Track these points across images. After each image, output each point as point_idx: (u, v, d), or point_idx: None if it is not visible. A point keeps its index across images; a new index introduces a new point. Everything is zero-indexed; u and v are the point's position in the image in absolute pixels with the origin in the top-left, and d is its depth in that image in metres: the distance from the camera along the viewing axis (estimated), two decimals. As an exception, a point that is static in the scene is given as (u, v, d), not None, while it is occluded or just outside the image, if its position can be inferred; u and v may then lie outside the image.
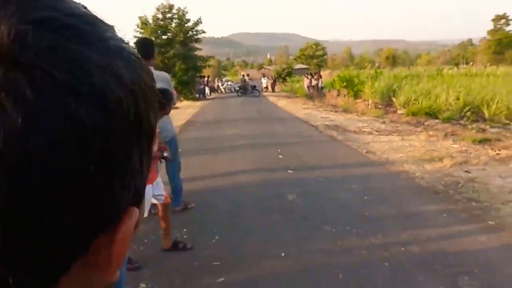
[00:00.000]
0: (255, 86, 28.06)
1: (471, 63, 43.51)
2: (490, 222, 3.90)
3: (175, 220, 4.24)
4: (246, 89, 27.59)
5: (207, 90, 28.47)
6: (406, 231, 3.83)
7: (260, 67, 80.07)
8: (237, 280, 3.10)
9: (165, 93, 3.37)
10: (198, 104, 22.53)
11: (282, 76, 39.54)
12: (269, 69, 57.87)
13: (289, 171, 6.41)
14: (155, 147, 3.34)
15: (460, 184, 5.12)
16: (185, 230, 4.14)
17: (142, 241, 3.86)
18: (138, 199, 0.34)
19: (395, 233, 3.80)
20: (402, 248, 3.47)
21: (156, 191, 3.37)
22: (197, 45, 25.79)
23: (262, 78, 31.47)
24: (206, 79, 28.79)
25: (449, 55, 73.80)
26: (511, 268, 3.09)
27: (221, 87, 34.07)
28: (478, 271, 3.01)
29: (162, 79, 4.08)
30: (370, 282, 2.97)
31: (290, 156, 7.50)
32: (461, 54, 68.70)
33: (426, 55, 76.08)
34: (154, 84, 0.35)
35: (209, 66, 29.47)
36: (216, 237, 3.92)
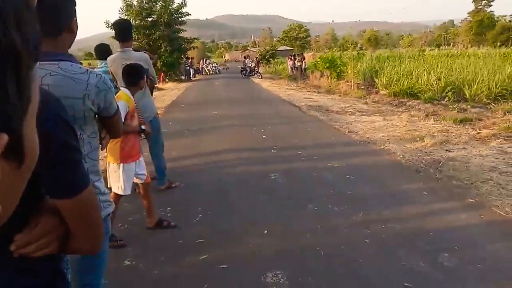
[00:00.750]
0: (255, 68, 27.98)
1: (452, 44, 43.88)
2: (470, 200, 3.98)
3: (160, 199, 4.24)
4: (247, 71, 27.61)
5: (191, 71, 28.11)
6: (388, 209, 3.88)
7: (244, 49, 79.26)
8: (220, 257, 3.11)
9: (137, 69, 3.46)
10: (183, 85, 22.27)
11: (266, 57, 39.26)
12: (253, 51, 57.32)
13: (272, 150, 6.42)
14: (134, 122, 3.32)
15: (441, 163, 5.20)
16: (169, 208, 4.13)
17: (126, 220, 3.84)
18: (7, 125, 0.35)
19: (377, 211, 3.85)
20: (383, 226, 3.52)
21: (138, 169, 3.37)
22: (182, 27, 25.32)
23: (246, 60, 29.61)
24: (190, 60, 28.39)
25: (431, 37, 74.20)
26: (491, 245, 3.16)
27: (205, 69, 33.69)
28: (459, 248, 3.07)
29: (141, 59, 4.07)
30: (351, 260, 3.02)
31: (274, 136, 7.50)
32: (442, 35, 69.04)
33: (408, 37, 76.26)
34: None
35: (193, 48, 28.98)
36: (200, 216, 3.92)
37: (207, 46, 57.42)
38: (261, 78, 25.98)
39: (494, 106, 10.14)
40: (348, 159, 5.71)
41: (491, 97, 11.07)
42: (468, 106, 10.61)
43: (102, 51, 5.08)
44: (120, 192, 3.27)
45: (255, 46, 73.84)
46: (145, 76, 3.61)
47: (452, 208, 3.83)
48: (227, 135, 7.86)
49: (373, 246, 3.19)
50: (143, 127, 3.46)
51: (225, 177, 5.15)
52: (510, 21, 60.70)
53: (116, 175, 3.24)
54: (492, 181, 4.45)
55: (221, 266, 2.99)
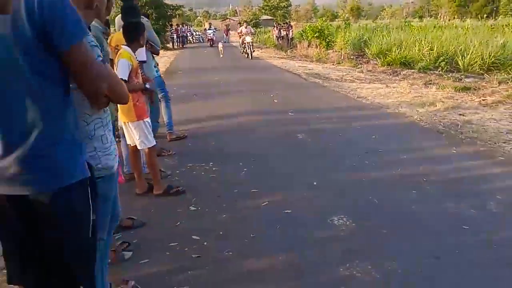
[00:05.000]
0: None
1: (434, 16, 44.25)
2: (500, 158, 4.26)
3: (204, 153, 4.41)
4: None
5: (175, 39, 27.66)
6: (422, 165, 4.10)
7: (224, 18, 77.65)
8: (280, 204, 3.29)
9: (135, 25, 3.40)
10: (171, 53, 21.94)
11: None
12: (234, 20, 56.29)
13: (289, 113, 6.56)
14: (139, 79, 3.32)
15: (459, 125, 5.47)
16: (211, 164, 4.28)
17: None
18: None
19: (413, 166, 4.07)
20: (424, 179, 3.73)
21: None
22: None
23: (242, 28, 18.87)
24: (175, 28, 27.85)
25: (413, 8, 74.57)
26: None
27: (189, 37, 33.08)
28: (501, 198, 3.32)
29: None
30: (404, 206, 3.24)
31: (285, 100, 7.64)
32: (424, 7, 69.47)
33: (390, 8, 76.46)
34: None
35: (178, 15, 28.39)
36: (245, 170, 4.09)
37: (185, 15, 55.95)
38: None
39: (488, 76, 10.49)
40: (367, 121, 5.92)
41: (484, 68, 11.42)
42: (462, 76, 10.95)
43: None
44: (148, 145, 3.36)
45: (236, 15, 72.38)
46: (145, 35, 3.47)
47: (485, 165, 4.10)
48: (238, 99, 7.94)
49: (421, 196, 3.42)
50: (147, 84, 3.49)
51: (254, 138, 5.29)
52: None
53: (137, 132, 3.32)
54: (511, 142, 4.76)
55: (285, 211, 3.18)
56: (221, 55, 18.71)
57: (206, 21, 64.86)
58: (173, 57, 19.48)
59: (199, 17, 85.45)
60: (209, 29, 30.47)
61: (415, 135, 5.21)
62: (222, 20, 69.16)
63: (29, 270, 1.49)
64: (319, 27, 20.64)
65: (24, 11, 1.20)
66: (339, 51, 17.71)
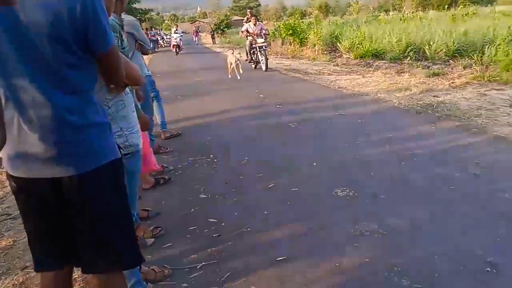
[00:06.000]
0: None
1: (399, 9, 45.63)
2: (474, 129, 4.76)
3: (202, 147, 4.70)
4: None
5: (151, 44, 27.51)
6: (409, 141, 4.53)
7: (194, 20, 77.58)
8: (286, 183, 3.63)
9: None
10: (144, 57, 21.80)
11: (221, 28, 39.00)
12: (203, 22, 56.40)
13: (277, 106, 6.90)
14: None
15: (434, 105, 5.96)
16: (211, 156, 4.57)
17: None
18: None
19: (400, 143, 4.49)
20: (411, 152, 4.16)
21: None
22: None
23: (249, 25, 12.78)
24: (148, 31, 27.77)
25: (378, 3, 76.48)
26: (498, 155, 3.94)
27: (160, 41, 32.98)
28: (479, 161, 3.78)
29: (129, 23, 3.89)
30: (398, 173, 3.63)
31: (270, 94, 7.97)
32: (388, 1, 71.44)
33: (357, 4, 78.23)
34: None
35: (148, 19, 28.35)
36: (246, 158, 4.40)
37: (153, 18, 55.62)
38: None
39: (453, 62, 11.13)
40: (352, 108, 6.33)
41: (449, 54, 12.09)
42: (430, 64, 11.57)
43: None
44: None
45: (206, 17, 72.44)
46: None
47: (461, 136, 4.57)
48: (225, 96, 8.23)
49: (410, 166, 3.83)
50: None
51: (248, 130, 5.60)
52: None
53: None
54: (483, 115, 5.27)
55: (292, 189, 3.51)
56: (231, 75, 10.94)
57: (174, 24, 64.51)
58: (148, 61, 19.51)
59: (166, 21, 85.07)
60: (175, 32, 23.63)
61: (397, 117, 5.65)
62: (192, 23, 69.05)
63: (58, 256, 1.59)
64: (292, 25, 21.15)
65: (66, 8, 1.31)
66: (313, 47, 18.22)
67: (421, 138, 4.61)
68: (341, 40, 16.50)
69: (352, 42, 15.63)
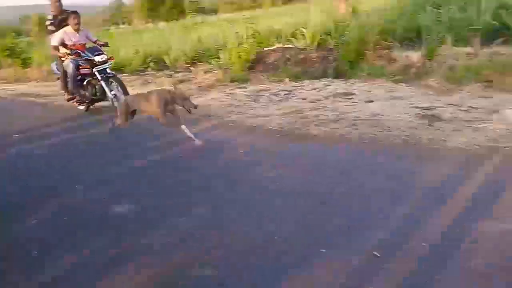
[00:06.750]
0: None
1: (128, 22, 45.72)
2: (230, 124, 5.06)
3: None
4: None
5: None
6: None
7: None
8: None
9: None
10: None
11: None
12: None
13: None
14: None
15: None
16: None
17: None
18: None
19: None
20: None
21: None
22: None
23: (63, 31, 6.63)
24: None
25: (104, 17, 75.17)
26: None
27: None
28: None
29: None
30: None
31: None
32: (117, 15, 70.92)
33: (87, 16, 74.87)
34: None
35: None
36: None
37: None
38: None
39: (194, 68, 11.59)
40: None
41: (189, 62, 12.57)
42: (172, 72, 11.76)
43: None
44: None
45: None
46: None
47: (226, 131, 4.97)
48: None
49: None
50: None
51: None
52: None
53: None
54: (234, 112, 5.75)
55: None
56: None
57: None
58: None
59: None
60: None
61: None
62: None
63: None
64: (10, 45, 18.29)
65: None
66: (40, 68, 16.08)
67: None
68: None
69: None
